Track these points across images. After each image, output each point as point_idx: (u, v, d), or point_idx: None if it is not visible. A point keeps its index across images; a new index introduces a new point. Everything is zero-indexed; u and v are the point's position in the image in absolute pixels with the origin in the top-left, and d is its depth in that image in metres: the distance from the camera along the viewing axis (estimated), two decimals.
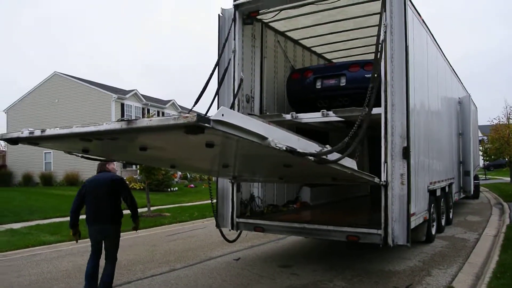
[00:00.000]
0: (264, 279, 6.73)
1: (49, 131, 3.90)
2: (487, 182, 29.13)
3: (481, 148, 28.61)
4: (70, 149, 5.09)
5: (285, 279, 6.69)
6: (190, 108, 7.09)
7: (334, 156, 4.74)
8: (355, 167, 5.40)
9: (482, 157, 32.36)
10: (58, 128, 3.87)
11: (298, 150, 4.07)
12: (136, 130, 3.33)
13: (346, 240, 6.63)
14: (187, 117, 2.96)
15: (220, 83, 7.53)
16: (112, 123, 3.46)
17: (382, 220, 6.21)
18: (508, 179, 29.11)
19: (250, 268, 7.44)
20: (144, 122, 3.25)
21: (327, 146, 4.71)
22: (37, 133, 3.96)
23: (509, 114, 30.35)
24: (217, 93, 7.47)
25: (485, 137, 31.27)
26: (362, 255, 8.16)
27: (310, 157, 4.27)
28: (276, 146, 3.71)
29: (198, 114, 2.98)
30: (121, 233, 11.85)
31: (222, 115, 3.13)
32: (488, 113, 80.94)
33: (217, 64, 7.60)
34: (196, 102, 6.83)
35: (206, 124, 2.99)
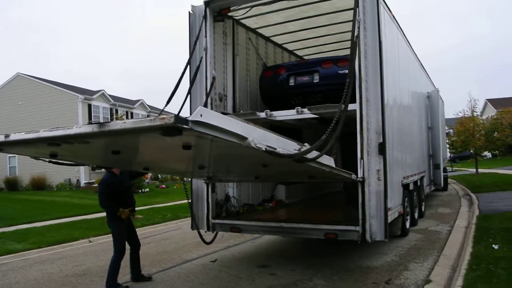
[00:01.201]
0: (243, 280, 6.62)
1: (14, 136, 3.65)
2: (454, 174, 29.88)
3: (447, 141, 29.33)
4: (37, 154, 4.81)
5: (264, 279, 6.59)
6: (159, 107, 6.92)
7: (312, 154, 4.67)
8: (333, 165, 5.35)
9: (449, 150, 33.16)
10: (23, 133, 3.61)
11: (277, 150, 3.97)
12: (108, 133, 3.13)
13: (324, 237, 6.60)
14: (163, 118, 2.80)
15: (192, 81, 7.36)
16: (82, 127, 3.25)
17: (360, 217, 6.21)
18: (473, 170, 29.94)
19: (228, 270, 7.30)
20: (118, 124, 3.07)
21: (306, 144, 4.64)
22: (1, 138, 3.70)
23: (474, 107, 31.22)
24: (189, 92, 7.30)
25: (451, 130, 32.07)
26: (339, 252, 8.15)
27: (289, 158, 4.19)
28: (256, 146, 3.60)
29: (176, 115, 2.82)
30: (92, 238, 11.57)
31: (201, 115, 2.98)
32: (453, 107, 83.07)
33: (189, 62, 7.44)
34: (168, 102, 6.66)
35: (184, 126, 2.83)
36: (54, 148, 3.95)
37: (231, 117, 4.42)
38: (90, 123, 3.20)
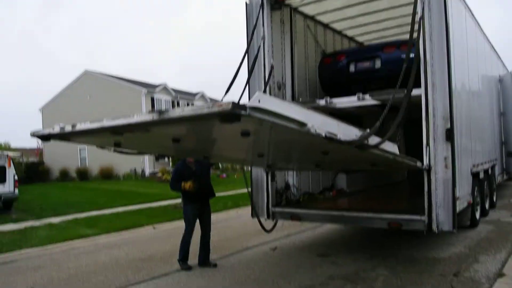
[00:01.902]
0: (303, 269, 6.57)
1: (79, 126, 3.83)
2: None
3: None
4: (102, 144, 5.03)
5: (325, 268, 6.51)
6: (219, 99, 6.99)
7: (374, 140, 4.52)
8: (397, 151, 5.15)
9: None
10: (88, 123, 3.79)
11: (338, 136, 3.86)
12: (168, 121, 3.19)
13: (388, 227, 6.40)
14: (221, 105, 2.80)
15: (250, 71, 7.35)
16: (143, 115, 3.34)
17: (426, 206, 5.95)
18: None
19: (288, 258, 7.30)
20: (177, 112, 3.11)
21: (367, 130, 4.48)
22: (68, 128, 3.89)
23: None
24: (248, 81, 7.30)
25: None
26: (403, 243, 7.88)
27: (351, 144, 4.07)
28: (316, 132, 3.51)
29: (233, 102, 2.81)
30: (156, 224, 12.03)
31: (259, 101, 2.95)
32: None
33: (247, 51, 7.42)
34: (227, 91, 6.69)
35: (242, 112, 2.81)
36: (117, 137, 4.11)
37: (291, 103, 4.37)
38: (150, 111, 3.27)
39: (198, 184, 6.72)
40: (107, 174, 31.69)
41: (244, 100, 6.91)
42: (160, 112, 3.18)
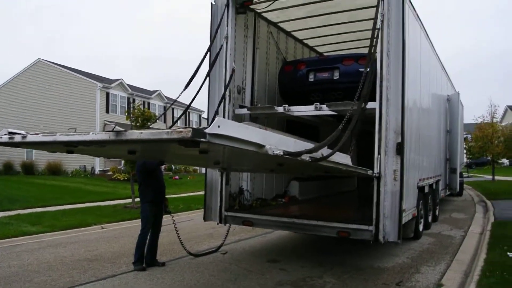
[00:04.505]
0: (252, 274, 6.61)
1: (31, 138, 3.71)
2: (469, 180, 29.44)
3: (465, 146, 28.88)
4: (54, 150, 4.90)
5: (274, 274, 6.57)
6: (176, 97, 6.91)
7: (326, 152, 4.63)
8: (349, 162, 5.30)
9: (465, 155, 32.70)
10: (40, 135, 3.68)
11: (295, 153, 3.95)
12: (125, 142, 3.17)
13: (337, 236, 6.55)
14: (181, 132, 2.82)
15: (212, 64, 7.31)
16: (99, 134, 3.32)
17: (374, 216, 6.14)
18: (489, 177, 29.47)
19: (238, 263, 7.31)
20: (134, 134, 3.09)
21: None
22: (18, 138, 3.76)
23: (494, 113, 30.63)
24: (208, 73, 7.28)
25: (469, 135, 31.57)
26: (350, 251, 8.09)
27: (306, 158, 4.16)
28: (274, 154, 3.59)
29: (193, 128, 2.83)
30: (105, 224, 11.71)
31: (218, 126, 2.98)
32: (471, 111, 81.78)
33: (209, 49, 7.39)
34: (186, 87, 6.71)
35: (202, 139, 2.84)
36: (71, 148, 4.01)
37: (250, 124, 4.42)
38: (107, 130, 3.26)
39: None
40: (55, 170, 30.49)
41: (203, 99, 6.89)
42: (118, 132, 3.14)
